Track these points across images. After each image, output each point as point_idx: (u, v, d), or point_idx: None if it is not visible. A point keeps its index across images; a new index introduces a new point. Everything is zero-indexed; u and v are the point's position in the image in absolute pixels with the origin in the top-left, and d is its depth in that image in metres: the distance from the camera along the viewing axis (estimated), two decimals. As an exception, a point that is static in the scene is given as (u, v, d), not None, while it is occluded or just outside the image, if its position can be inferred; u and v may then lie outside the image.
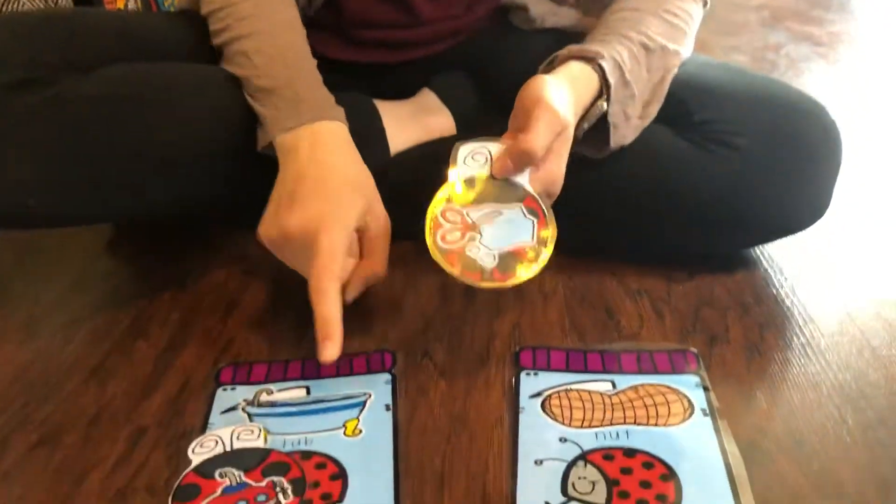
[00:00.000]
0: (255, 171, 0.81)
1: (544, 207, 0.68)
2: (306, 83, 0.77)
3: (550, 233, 0.67)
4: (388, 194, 0.91)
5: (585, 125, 0.78)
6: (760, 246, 0.91)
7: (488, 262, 0.66)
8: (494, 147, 0.70)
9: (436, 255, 0.67)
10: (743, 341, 0.75)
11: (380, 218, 0.74)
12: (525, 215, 0.68)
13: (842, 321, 0.78)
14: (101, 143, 0.73)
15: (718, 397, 0.67)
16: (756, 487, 0.58)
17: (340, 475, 0.61)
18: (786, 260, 0.89)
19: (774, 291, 0.83)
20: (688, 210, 0.82)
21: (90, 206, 0.76)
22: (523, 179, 0.68)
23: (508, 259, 0.67)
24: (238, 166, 0.81)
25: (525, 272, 0.67)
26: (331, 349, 0.65)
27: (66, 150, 0.72)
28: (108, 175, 0.75)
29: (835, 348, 0.74)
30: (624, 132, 0.80)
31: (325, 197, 0.70)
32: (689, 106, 0.83)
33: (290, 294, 0.85)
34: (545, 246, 0.67)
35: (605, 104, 0.77)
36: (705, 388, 0.68)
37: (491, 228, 0.67)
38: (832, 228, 0.91)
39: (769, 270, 0.87)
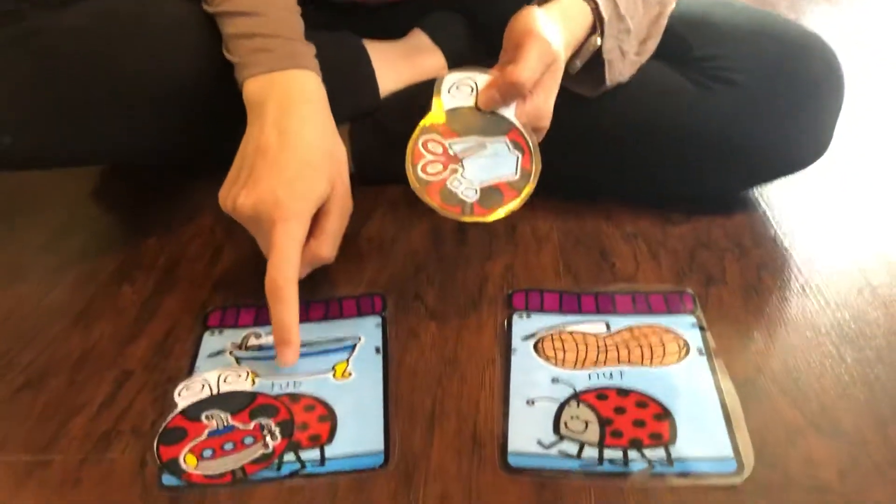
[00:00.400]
0: (237, 115, 0.79)
1: (530, 142, 0.66)
2: (283, 28, 0.72)
3: (534, 168, 0.65)
4: (378, 137, 0.90)
5: (579, 62, 0.75)
6: (759, 187, 0.89)
7: (469, 195, 0.65)
8: (481, 78, 0.67)
9: (415, 187, 0.65)
10: (740, 282, 0.73)
11: (340, 198, 0.68)
12: (509, 149, 0.66)
13: (841, 261, 0.77)
14: (76, 79, 0.71)
15: (715, 337, 0.66)
16: (753, 425, 0.57)
17: (329, 417, 0.60)
18: (785, 201, 0.87)
19: (773, 232, 0.82)
20: (686, 149, 0.80)
21: (67, 145, 0.74)
22: (509, 112, 0.66)
23: (490, 193, 0.65)
24: (218, 108, 0.78)
25: (506, 207, 0.65)
26: (290, 354, 0.62)
27: (41, 85, 0.70)
28: (83, 112, 0.72)
29: (834, 288, 0.72)
30: (620, 69, 0.77)
31: (282, 179, 0.64)
32: (687, 41, 0.81)
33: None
34: (528, 181, 0.65)
35: (598, 40, 0.74)
36: (701, 328, 0.67)
37: (473, 161, 0.65)
38: (832, 168, 0.89)
39: (768, 212, 0.86)
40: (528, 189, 0.65)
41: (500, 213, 0.65)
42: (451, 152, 0.66)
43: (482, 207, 0.65)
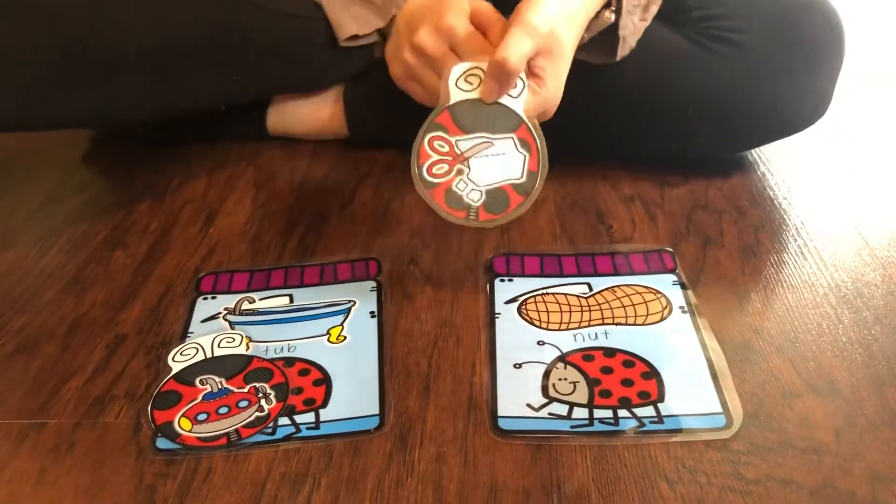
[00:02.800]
0: (229, 82, 0.78)
1: (538, 141, 0.63)
2: None
3: (541, 170, 0.63)
4: (371, 100, 0.88)
5: (586, 35, 0.73)
6: (758, 149, 0.88)
7: (475, 198, 0.63)
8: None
9: (420, 189, 0.63)
10: (738, 243, 0.73)
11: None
12: (517, 148, 0.63)
13: (840, 223, 0.76)
14: (64, 40, 0.69)
15: (711, 298, 0.65)
16: (749, 386, 0.57)
17: (324, 381, 0.60)
18: (784, 163, 0.86)
19: (771, 194, 0.81)
20: (685, 110, 0.78)
21: (56, 106, 0.72)
22: (518, 105, 0.63)
23: (495, 196, 0.63)
24: (211, 73, 0.77)
25: (512, 213, 0.63)
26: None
27: (29, 44, 0.68)
28: (72, 74, 0.70)
29: (832, 249, 0.72)
30: (631, 42, 0.76)
31: None
32: (685, 1, 0.79)
33: (272, 203, 0.82)
34: (534, 184, 0.63)
35: (612, 16, 0.72)
36: (683, 286, 0.67)
37: (480, 162, 0.63)
38: (831, 130, 0.88)
39: (766, 174, 0.85)
40: (534, 193, 0.64)
41: (504, 219, 0.64)
42: (457, 151, 0.63)
43: (487, 212, 0.64)
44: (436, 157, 0.63)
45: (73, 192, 0.87)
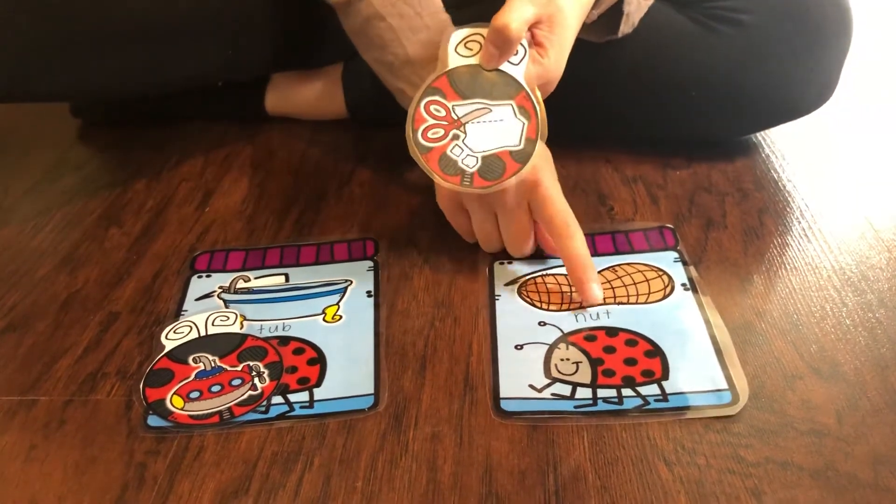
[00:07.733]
0: (227, 56, 0.77)
1: (538, 108, 0.62)
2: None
3: (539, 137, 0.62)
4: (370, 77, 0.87)
5: (595, 13, 0.72)
6: (763, 132, 0.87)
7: (470, 164, 0.62)
8: None
9: (414, 153, 0.62)
10: (740, 226, 0.72)
11: None
12: (515, 115, 0.62)
13: (845, 205, 0.75)
14: (61, 7, 0.68)
15: (713, 280, 0.64)
16: (750, 367, 0.56)
17: (319, 360, 0.59)
18: (788, 145, 0.85)
19: (775, 176, 0.80)
20: (690, 92, 0.77)
21: (51, 77, 0.70)
22: (518, 72, 0.62)
23: (491, 163, 0.62)
24: (209, 47, 0.76)
25: (508, 180, 0.62)
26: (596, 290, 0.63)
27: (24, 9, 0.67)
28: (69, 43, 0.69)
29: (836, 232, 0.71)
30: (634, 18, 0.74)
31: None
32: (691, -20, 0.78)
33: (269, 183, 0.81)
34: (532, 151, 0.62)
35: None
36: (684, 263, 0.66)
37: (476, 127, 0.62)
38: (837, 113, 0.87)
39: (771, 156, 0.83)
40: (531, 160, 0.62)
41: (499, 186, 0.62)
42: (453, 116, 0.62)
43: (482, 178, 0.62)
44: (431, 121, 0.62)
45: (69, 170, 0.86)
